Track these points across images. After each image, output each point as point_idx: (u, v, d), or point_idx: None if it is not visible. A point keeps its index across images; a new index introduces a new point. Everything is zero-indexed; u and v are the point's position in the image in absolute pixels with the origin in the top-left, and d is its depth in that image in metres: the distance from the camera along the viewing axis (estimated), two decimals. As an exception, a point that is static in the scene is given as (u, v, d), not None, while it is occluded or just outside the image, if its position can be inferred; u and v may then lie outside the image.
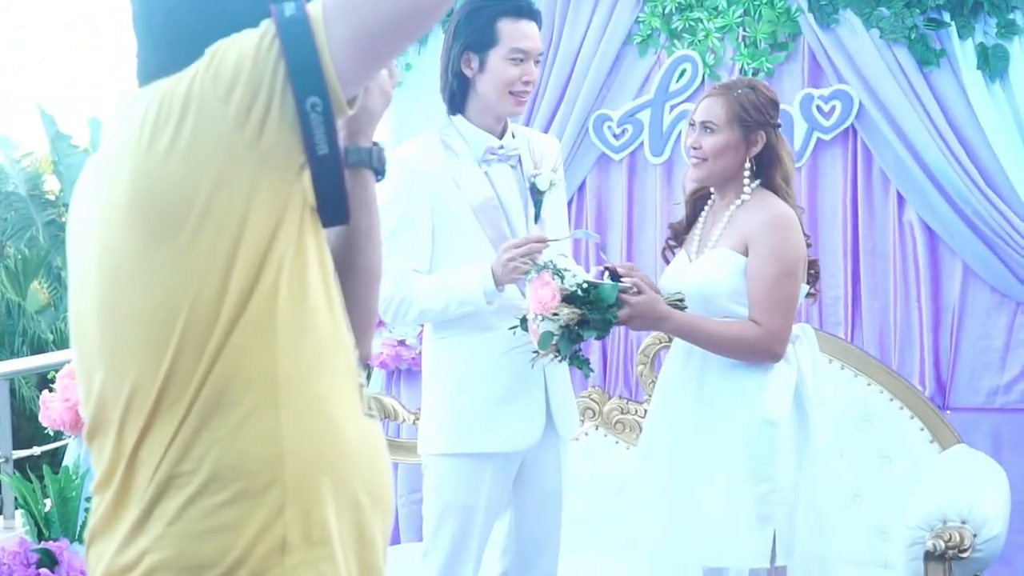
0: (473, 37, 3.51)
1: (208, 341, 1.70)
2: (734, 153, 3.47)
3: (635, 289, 3.33)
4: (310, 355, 1.76)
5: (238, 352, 1.70)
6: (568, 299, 3.23)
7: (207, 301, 1.69)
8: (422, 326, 4.40)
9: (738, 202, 3.49)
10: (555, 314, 3.22)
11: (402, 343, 5.28)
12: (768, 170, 3.51)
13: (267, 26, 1.69)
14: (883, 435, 4.56)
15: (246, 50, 1.68)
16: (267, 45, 1.67)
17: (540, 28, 3.58)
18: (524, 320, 3.34)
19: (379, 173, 2.02)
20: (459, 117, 3.61)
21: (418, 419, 4.51)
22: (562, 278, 3.24)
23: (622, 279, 3.34)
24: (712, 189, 3.60)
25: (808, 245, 3.54)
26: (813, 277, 3.60)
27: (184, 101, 1.69)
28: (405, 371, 5.35)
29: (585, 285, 3.26)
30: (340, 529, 1.76)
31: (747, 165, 3.49)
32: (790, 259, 3.40)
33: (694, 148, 3.51)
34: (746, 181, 3.49)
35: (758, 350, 3.39)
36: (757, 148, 3.49)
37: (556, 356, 3.31)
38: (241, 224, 1.69)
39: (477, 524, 3.57)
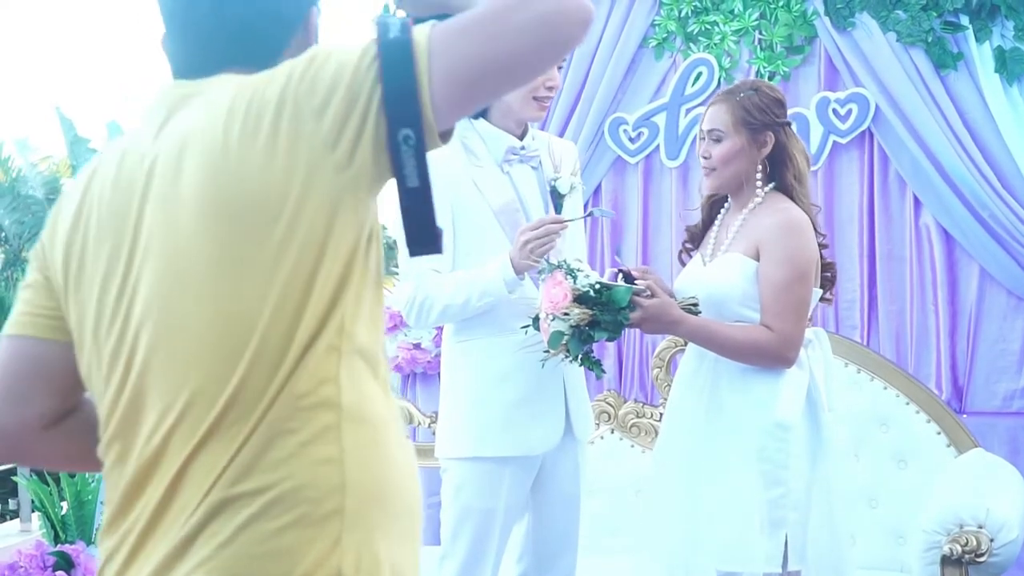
0: None
1: (283, 360, 1.63)
2: (744, 158, 3.45)
3: (648, 292, 3.33)
4: (367, 379, 1.70)
5: (309, 374, 1.64)
6: (580, 299, 3.22)
7: (286, 318, 1.63)
8: (439, 330, 4.40)
9: (751, 206, 3.48)
10: (566, 314, 3.22)
11: (417, 346, 5.28)
12: (780, 170, 3.48)
13: (369, 45, 1.61)
14: (899, 439, 4.55)
15: (345, 66, 1.61)
16: (367, 65, 1.60)
17: None
18: (536, 319, 3.34)
19: None
20: (479, 120, 3.60)
21: (434, 422, 4.52)
22: (575, 278, 3.23)
23: (636, 282, 3.34)
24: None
25: (824, 246, 3.53)
26: (829, 280, 3.57)
27: (277, 106, 1.62)
28: (420, 374, 5.35)
29: (598, 286, 3.25)
30: (389, 560, 1.71)
31: (759, 167, 3.48)
32: (801, 263, 3.38)
33: (704, 158, 3.50)
34: (759, 184, 3.49)
35: (770, 355, 3.38)
36: (767, 149, 3.46)
37: (566, 356, 3.31)
38: (324, 242, 1.63)
39: (496, 528, 3.57)
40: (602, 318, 3.24)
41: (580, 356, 3.31)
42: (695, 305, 3.42)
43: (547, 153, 3.65)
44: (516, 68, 1.63)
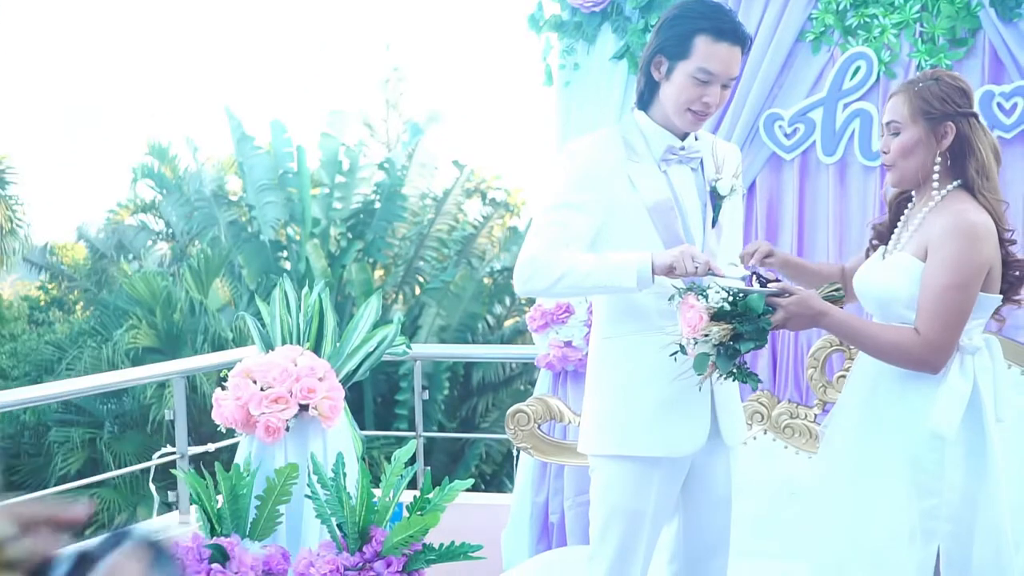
0: (668, 43, 3.46)
1: None
2: (924, 150, 3.33)
3: (787, 292, 3.25)
4: None
5: None
6: (717, 316, 3.17)
7: None
8: (590, 327, 4.38)
9: (932, 204, 3.36)
10: (706, 335, 3.17)
11: (569, 344, 5.26)
12: (961, 163, 3.34)
13: None
14: (1066, 444, 4.41)
15: None
16: None
17: (745, 51, 3.51)
18: (683, 347, 3.29)
19: None
20: (642, 114, 3.57)
21: (583, 421, 4.49)
22: (706, 297, 3.18)
23: (769, 284, 3.27)
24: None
25: (1012, 242, 3.38)
26: (1018, 280, 3.42)
27: None
28: (572, 372, 5.33)
29: (732, 299, 3.19)
30: None
31: (937, 160, 3.35)
32: (965, 269, 3.25)
33: (883, 152, 3.40)
34: (936, 180, 3.35)
35: (913, 360, 3.27)
36: (947, 141, 3.32)
37: (719, 375, 3.26)
38: None
39: (644, 529, 3.54)
40: (743, 329, 3.18)
41: (732, 372, 3.26)
42: (838, 290, 3.35)
43: (710, 154, 3.60)
44: None
